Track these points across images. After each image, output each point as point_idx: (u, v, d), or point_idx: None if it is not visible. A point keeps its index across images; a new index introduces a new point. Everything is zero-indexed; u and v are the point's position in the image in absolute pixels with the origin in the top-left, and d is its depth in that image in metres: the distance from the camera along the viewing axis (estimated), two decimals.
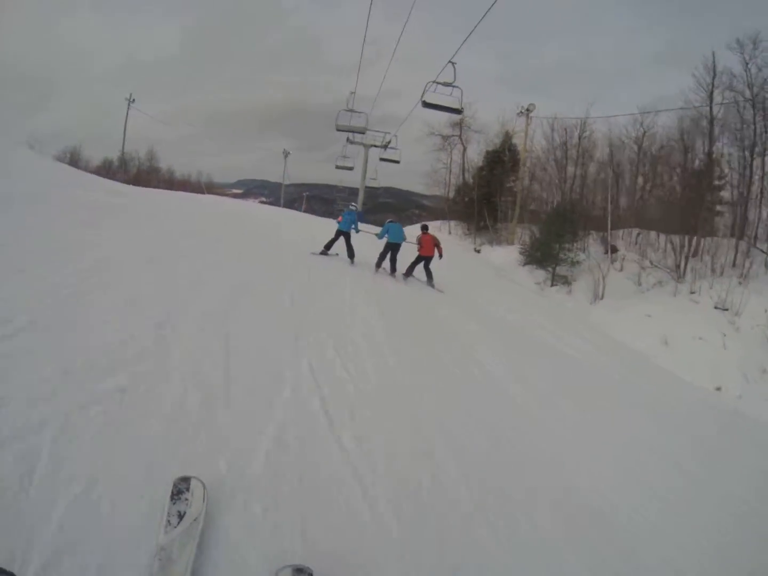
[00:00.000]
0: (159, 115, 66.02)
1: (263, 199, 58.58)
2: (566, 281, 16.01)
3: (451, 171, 34.22)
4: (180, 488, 1.90)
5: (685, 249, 13.29)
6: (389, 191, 38.14)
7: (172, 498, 1.86)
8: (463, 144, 33.46)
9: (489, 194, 28.05)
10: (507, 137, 29.16)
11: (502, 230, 27.74)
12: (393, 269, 8.78)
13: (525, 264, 18.95)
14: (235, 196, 53.57)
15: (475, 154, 31.89)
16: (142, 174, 37.40)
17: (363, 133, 25.91)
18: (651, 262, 14.06)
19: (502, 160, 28.52)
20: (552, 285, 16.24)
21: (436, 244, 8.88)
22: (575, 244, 16.57)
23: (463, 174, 33.38)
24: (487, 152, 29.33)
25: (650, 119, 22.76)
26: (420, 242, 8.81)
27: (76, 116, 61.10)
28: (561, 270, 16.16)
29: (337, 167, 31.15)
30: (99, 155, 36.62)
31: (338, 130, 25.84)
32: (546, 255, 16.77)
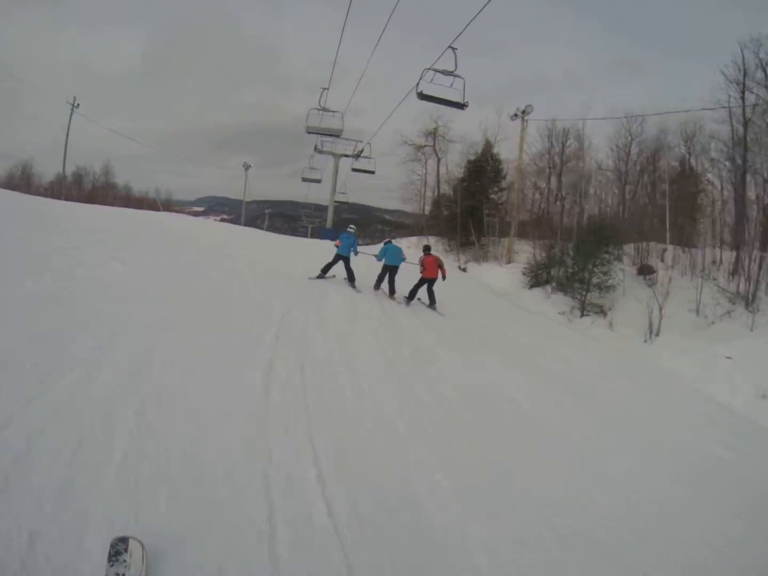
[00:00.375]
0: (120, 131, 61.45)
1: (224, 216, 55.59)
2: (600, 310, 13.31)
3: (426, 183, 32.09)
4: (118, 549, 1.86)
5: (755, 269, 10.90)
6: (352, 207, 35.89)
7: (109, 560, 1.82)
8: (437, 154, 31.37)
9: (473, 207, 25.62)
10: (488, 145, 27.06)
11: (488, 246, 25.31)
12: (392, 291, 8.63)
13: (531, 287, 16.29)
14: (196, 213, 50.99)
15: (453, 166, 29.80)
16: (98, 190, 34.98)
17: (338, 136, 23.05)
18: (719, 286, 11.45)
19: (484, 169, 26.29)
20: (582, 315, 13.49)
21: (440, 265, 8.78)
22: (609, 266, 13.87)
23: (438, 186, 31.24)
24: (469, 162, 27.07)
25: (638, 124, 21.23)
26: (423, 264, 8.60)
27: (28, 130, 55.84)
28: (591, 296, 13.44)
29: (304, 180, 28.14)
30: (53, 170, 32.90)
31: (309, 132, 22.91)
32: (573, 278, 14.05)
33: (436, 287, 8.65)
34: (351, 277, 8.53)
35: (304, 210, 39.99)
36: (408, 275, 9.21)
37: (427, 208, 31.42)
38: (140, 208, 25.96)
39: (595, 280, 13.46)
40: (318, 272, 8.57)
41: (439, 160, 31.15)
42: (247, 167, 34.87)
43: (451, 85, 9.91)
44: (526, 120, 21.69)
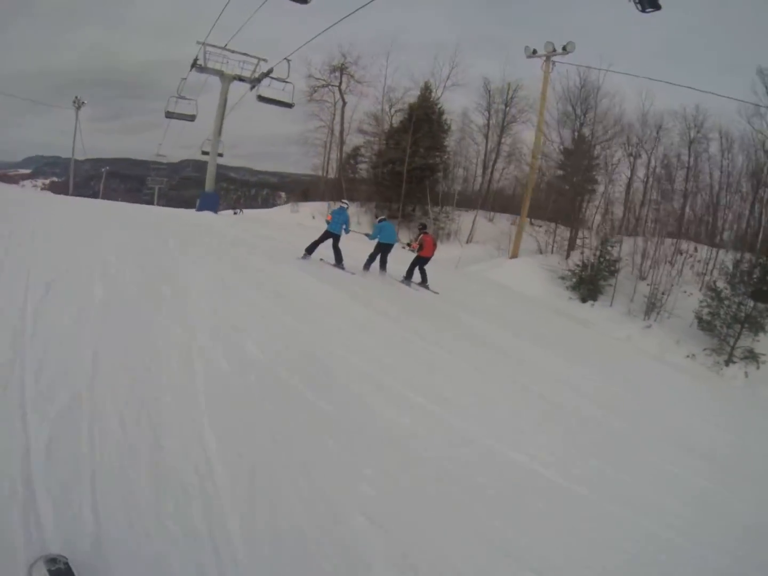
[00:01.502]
0: None
1: (54, 179, 43.53)
2: (752, 357, 9.32)
3: (333, 133, 24.65)
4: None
5: None
6: (196, 164, 27.91)
7: None
8: (343, 98, 23.97)
9: (421, 168, 19.72)
10: (426, 91, 20.93)
11: (443, 219, 20.02)
12: (384, 269, 8.33)
13: (584, 299, 11.62)
14: (23, 177, 42.04)
15: (365, 114, 23.30)
16: None
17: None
18: None
19: (429, 118, 20.32)
20: (727, 363, 9.30)
21: (436, 244, 8.84)
22: None
23: (341, 137, 24.26)
24: (411, 106, 20.67)
25: None
26: (422, 243, 8.51)
27: None
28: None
29: (169, 115, 18.23)
30: None
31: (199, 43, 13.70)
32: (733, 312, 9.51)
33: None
34: (339, 259, 8.01)
35: (156, 169, 28.77)
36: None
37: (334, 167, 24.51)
38: None
39: None
40: (302, 252, 7.97)
41: (344, 104, 24.08)
42: (78, 105, 23.19)
43: (284, 89, 12.81)
44: (553, 62, 15.99)
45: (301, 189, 30.02)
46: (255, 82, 16.35)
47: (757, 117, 15.02)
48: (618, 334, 9.86)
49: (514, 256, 16.17)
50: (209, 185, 17.62)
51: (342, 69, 24.01)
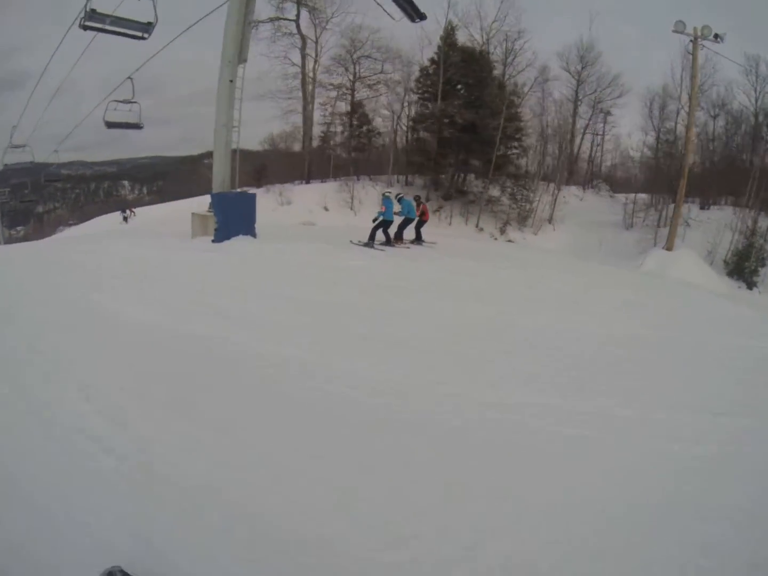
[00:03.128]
0: None
1: None
2: None
3: (308, 81, 17.58)
4: None
5: None
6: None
7: None
8: (302, 36, 17.42)
9: (469, 128, 14.68)
10: (450, 33, 15.71)
11: (520, 196, 15.39)
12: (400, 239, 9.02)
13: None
14: None
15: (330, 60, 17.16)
16: None
17: None
18: None
19: (479, 63, 15.32)
20: None
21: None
22: None
23: (304, 86, 17.37)
24: (447, 44, 15.39)
25: None
26: (423, 210, 9.45)
27: None
28: None
29: None
30: None
31: None
32: None
33: None
34: (389, 241, 8.57)
35: None
36: None
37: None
38: None
39: None
40: (366, 239, 8.34)
41: (304, 43, 17.15)
42: None
43: (130, 110, 10.92)
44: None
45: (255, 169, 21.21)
46: None
47: None
48: None
49: (670, 248, 12.56)
50: (223, 180, 8.45)
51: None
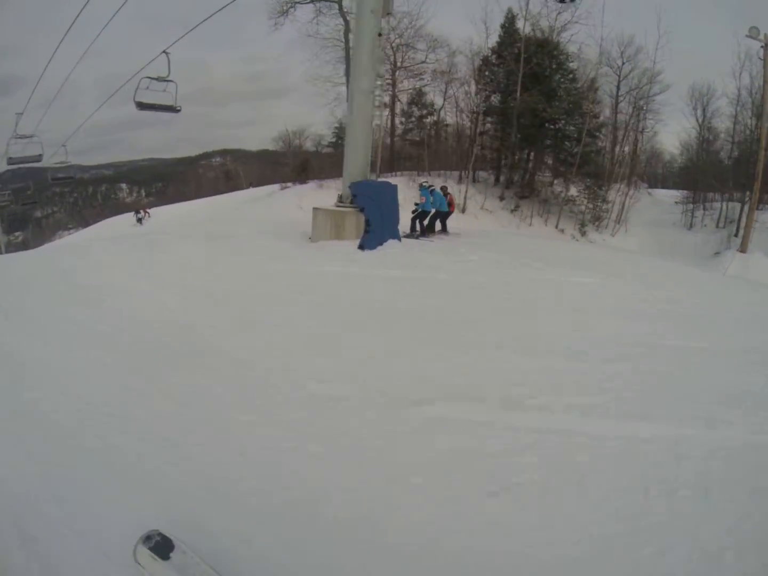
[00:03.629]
0: None
1: None
2: None
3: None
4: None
5: None
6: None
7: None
8: (344, 18, 15.25)
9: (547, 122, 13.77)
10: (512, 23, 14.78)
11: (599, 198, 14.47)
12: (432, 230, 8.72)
13: None
14: None
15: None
16: None
17: None
18: None
19: (549, 53, 14.39)
20: None
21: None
22: None
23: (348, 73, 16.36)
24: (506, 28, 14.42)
25: None
26: (450, 201, 9.13)
27: None
28: None
29: None
30: None
31: None
32: None
33: None
34: (423, 230, 8.21)
35: None
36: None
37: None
38: None
39: None
40: (415, 232, 8.16)
41: (347, 27, 14.82)
42: None
43: (165, 89, 9.82)
44: None
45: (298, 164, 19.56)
46: None
47: None
48: None
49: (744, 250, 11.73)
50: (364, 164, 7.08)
51: None
